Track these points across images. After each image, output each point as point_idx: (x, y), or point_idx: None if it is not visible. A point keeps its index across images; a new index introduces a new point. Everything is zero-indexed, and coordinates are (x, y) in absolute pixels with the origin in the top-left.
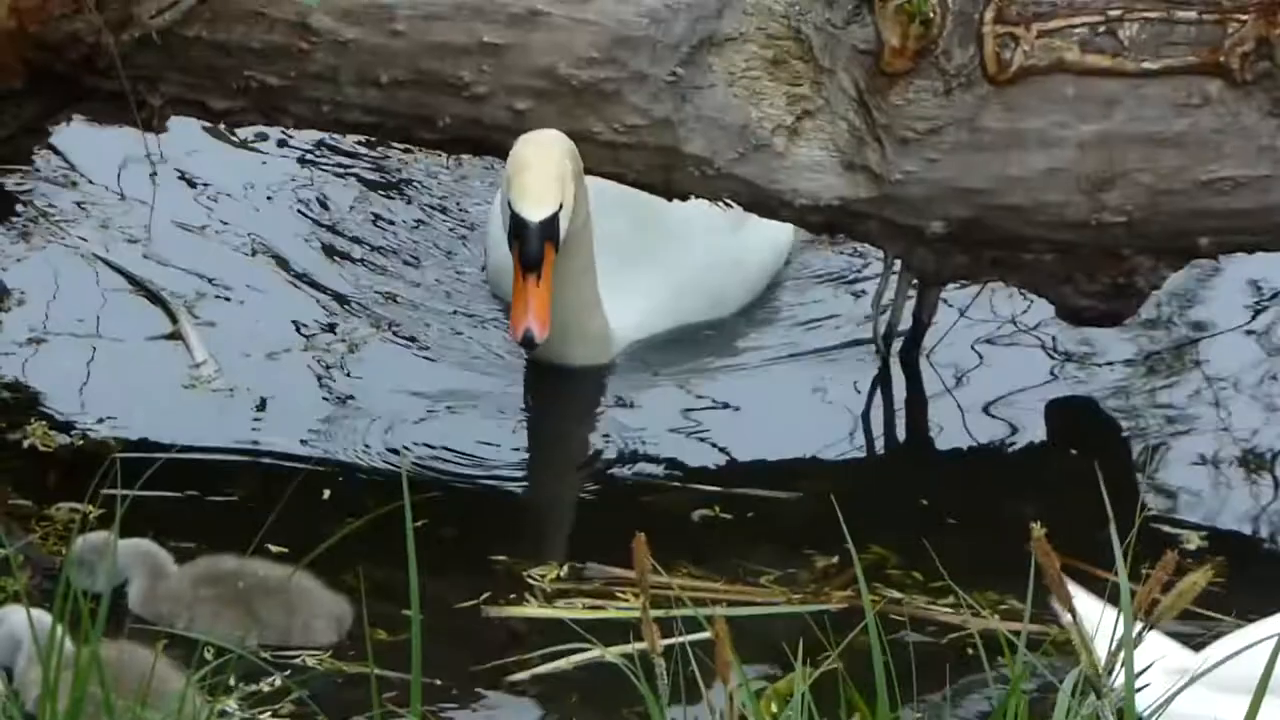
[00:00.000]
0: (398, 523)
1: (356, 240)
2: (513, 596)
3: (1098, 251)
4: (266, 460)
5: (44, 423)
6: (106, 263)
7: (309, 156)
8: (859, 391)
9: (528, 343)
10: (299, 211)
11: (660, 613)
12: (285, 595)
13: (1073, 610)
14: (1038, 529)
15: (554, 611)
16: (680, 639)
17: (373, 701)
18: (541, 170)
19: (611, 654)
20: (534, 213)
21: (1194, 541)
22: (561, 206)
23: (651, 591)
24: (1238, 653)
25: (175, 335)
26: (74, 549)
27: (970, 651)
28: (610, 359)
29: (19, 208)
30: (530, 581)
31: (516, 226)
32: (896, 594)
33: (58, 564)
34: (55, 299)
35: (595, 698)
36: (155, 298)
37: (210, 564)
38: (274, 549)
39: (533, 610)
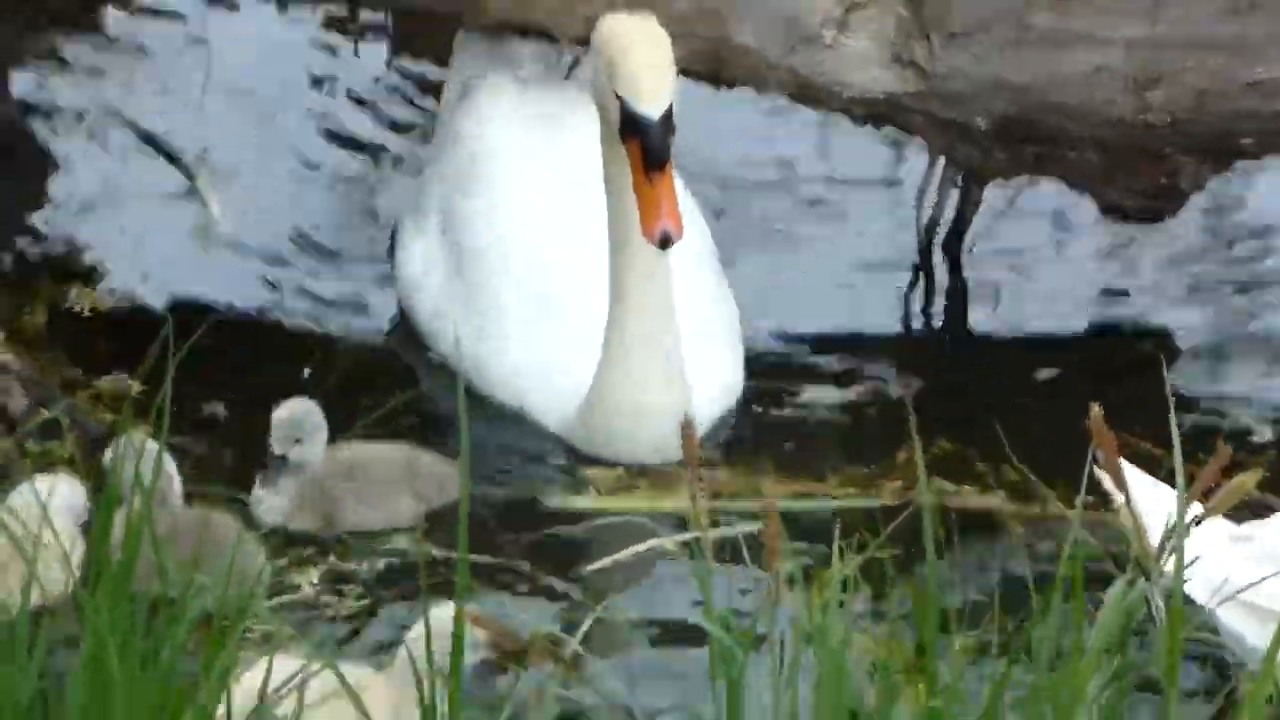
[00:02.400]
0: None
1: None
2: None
3: (1141, 151)
4: (304, 321)
5: (91, 287)
6: (146, 137)
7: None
8: (903, 287)
9: (666, 242)
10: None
11: (715, 503)
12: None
13: (1125, 490)
14: (1096, 410)
15: (613, 502)
16: (732, 529)
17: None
18: (651, 54)
19: (665, 542)
20: (654, 107)
21: (1248, 435)
22: None
23: (705, 487)
24: None
25: (194, 192)
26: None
27: (1021, 536)
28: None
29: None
30: (590, 477)
31: (632, 121)
32: (948, 485)
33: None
34: (96, 166)
35: (650, 585)
36: (174, 158)
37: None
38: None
39: (593, 501)
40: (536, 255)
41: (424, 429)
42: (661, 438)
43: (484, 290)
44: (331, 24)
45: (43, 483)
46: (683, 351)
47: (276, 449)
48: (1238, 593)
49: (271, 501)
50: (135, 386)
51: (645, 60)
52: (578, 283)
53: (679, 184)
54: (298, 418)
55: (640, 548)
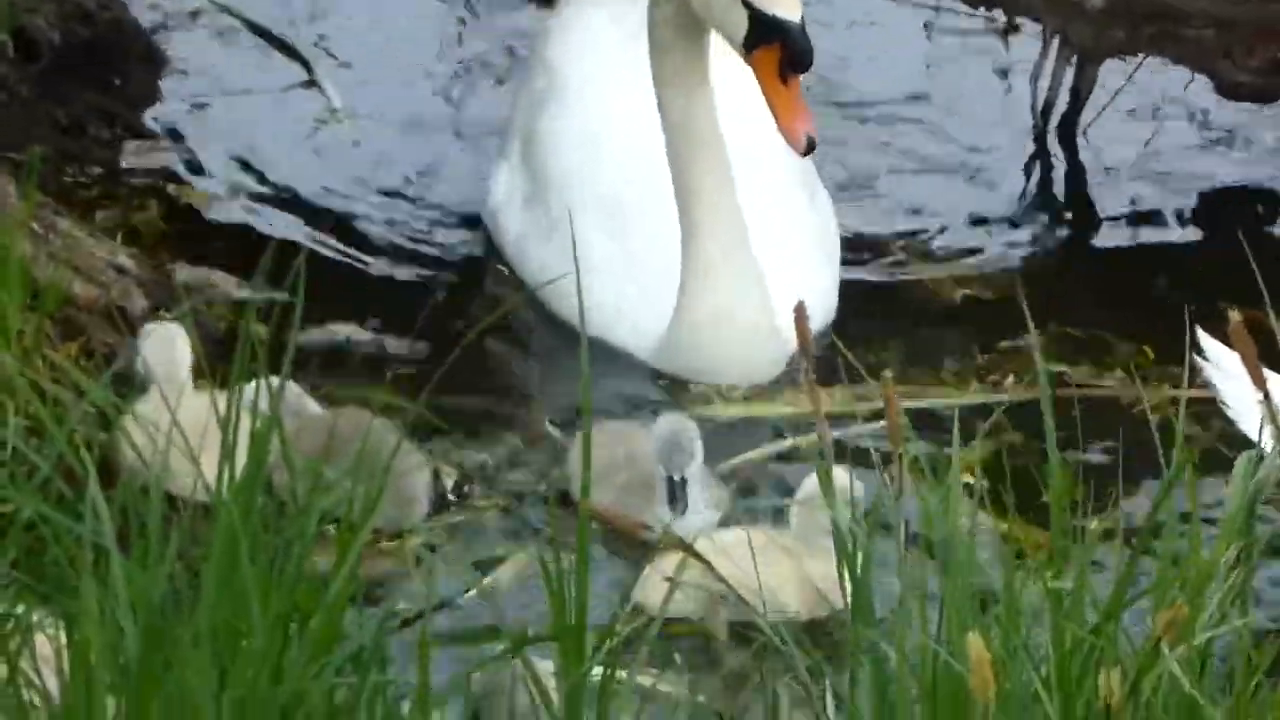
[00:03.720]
0: None
1: None
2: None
3: (1257, 27)
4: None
5: (207, 187)
6: (251, 25)
7: None
8: (1017, 167)
9: (810, 145)
10: None
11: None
12: None
13: (1266, 391)
14: (1236, 315)
15: (745, 409)
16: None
17: None
18: None
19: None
20: (795, 11)
21: None
22: None
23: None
24: None
25: (311, 84)
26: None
27: (1142, 421)
28: (784, 366)
29: None
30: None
31: (768, 28)
32: (1067, 369)
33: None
34: (209, 61)
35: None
36: (290, 50)
37: None
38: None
39: (724, 408)
40: (614, 180)
41: (511, 354)
42: (748, 354)
43: (561, 216)
44: None
45: (160, 332)
46: (761, 266)
47: (668, 473)
48: None
49: (697, 519)
50: (253, 288)
51: None
52: (657, 208)
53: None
54: (675, 437)
55: (770, 448)
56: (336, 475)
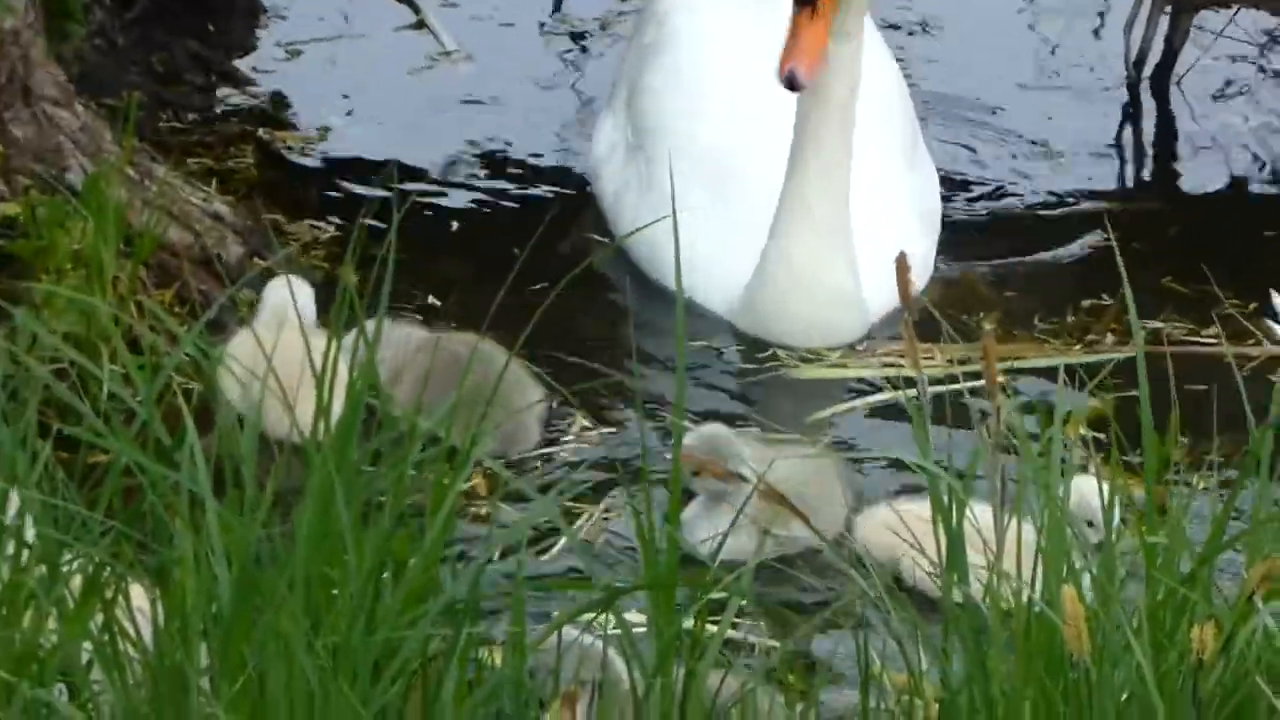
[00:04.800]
0: None
1: None
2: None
3: None
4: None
5: (305, 132)
6: None
7: None
8: (1109, 120)
9: (790, 84)
10: None
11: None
12: None
13: None
14: None
15: (845, 371)
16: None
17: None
18: None
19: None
20: None
21: None
22: None
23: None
24: None
25: (421, 25)
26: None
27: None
28: (863, 334)
29: None
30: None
31: None
32: (1162, 325)
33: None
34: (308, 7)
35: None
36: None
37: None
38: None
39: (826, 370)
40: (714, 136)
41: (602, 316)
42: (826, 316)
43: (660, 170)
44: None
45: (283, 287)
46: (851, 230)
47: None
48: None
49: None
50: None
51: None
52: (756, 166)
53: (880, 54)
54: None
55: (867, 400)
56: (444, 404)
